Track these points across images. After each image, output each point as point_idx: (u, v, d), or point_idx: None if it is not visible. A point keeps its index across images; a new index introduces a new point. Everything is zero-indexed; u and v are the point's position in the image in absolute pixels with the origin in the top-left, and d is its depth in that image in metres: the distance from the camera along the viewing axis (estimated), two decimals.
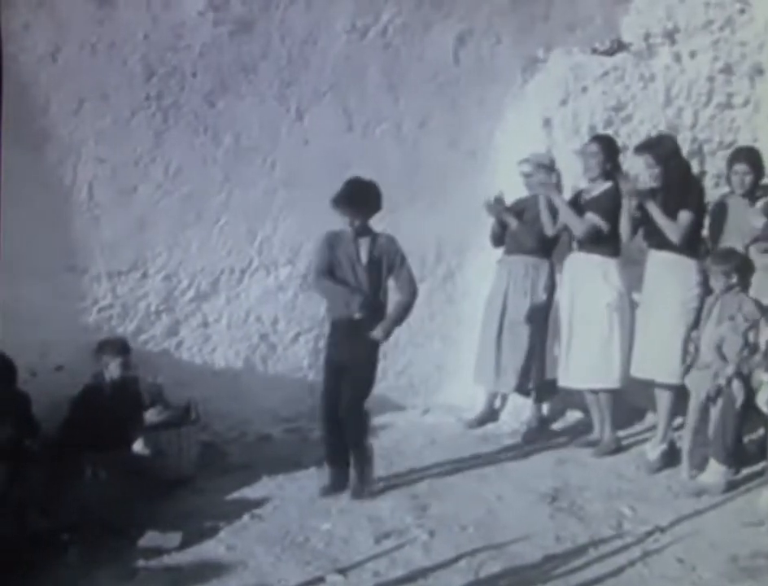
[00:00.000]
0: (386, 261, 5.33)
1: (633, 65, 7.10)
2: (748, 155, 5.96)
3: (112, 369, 5.61)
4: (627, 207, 5.94)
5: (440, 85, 6.92)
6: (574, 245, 6.29)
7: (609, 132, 6.74)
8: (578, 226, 6.08)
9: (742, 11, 7.25)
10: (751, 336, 5.49)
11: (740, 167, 5.87)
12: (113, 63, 6.06)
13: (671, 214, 5.75)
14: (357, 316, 5.21)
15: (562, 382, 6.29)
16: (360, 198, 5.25)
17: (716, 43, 7.22)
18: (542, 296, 6.40)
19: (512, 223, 6.43)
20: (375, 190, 5.33)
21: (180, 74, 6.23)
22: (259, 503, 5.34)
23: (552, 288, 6.43)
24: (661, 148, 5.92)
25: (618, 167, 6.19)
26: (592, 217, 6.02)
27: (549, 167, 6.41)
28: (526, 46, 7.06)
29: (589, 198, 6.16)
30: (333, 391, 5.36)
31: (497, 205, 6.46)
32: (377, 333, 5.28)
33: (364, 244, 5.31)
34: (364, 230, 5.31)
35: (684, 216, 5.74)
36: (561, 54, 7.10)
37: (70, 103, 5.99)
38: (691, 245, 5.83)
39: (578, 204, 6.18)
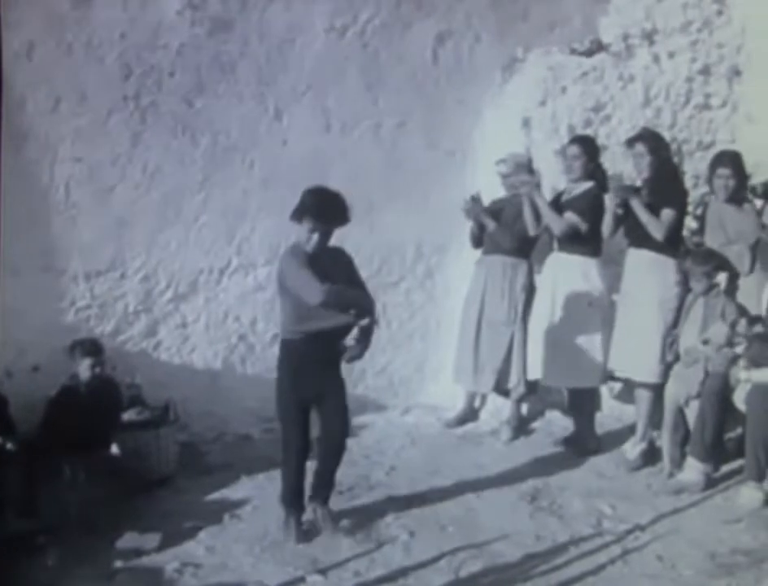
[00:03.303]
0: (349, 278, 4.87)
1: (612, 66, 7.13)
2: (731, 159, 5.97)
3: (82, 370, 5.57)
4: (611, 203, 5.96)
5: (419, 84, 6.92)
6: (555, 245, 6.29)
7: (588, 132, 6.75)
8: (556, 225, 6.08)
9: (719, 13, 7.30)
10: (732, 336, 5.53)
11: (723, 171, 5.89)
12: (90, 62, 6.03)
13: (655, 212, 5.78)
14: (364, 322, 4.78)
15: (543, 382, 6.30)
16: (346, 211, 4.71)
17: (694, 44, 7.26)
18: (520, 296, 6.39)
19: (490, 224, 6.42)
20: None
21: (157, 73, 6.21)
22: (238, 503, 5.33)
23: (530, 288, 6.42)
24: (653, 139, 5.97)
25: (600, 167, 6.20)
26: (571, 216, 6.04)
27: (527, 167, 6.41)
28: (505, 46, 7.08)
29: (569, 197, 6.17)
30: (305, 425, 4.87)
31: (474, 205, 6.45)
32: (349, 356, 4.88)
33: (335, 261, 4.81)
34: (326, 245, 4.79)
35: (667, 213, 5.76)
36: (540, 55, 7.11)
37: (46, 102, 5.96)
38: (671, 244, 5.84)
39: (558, 204, 6.19)
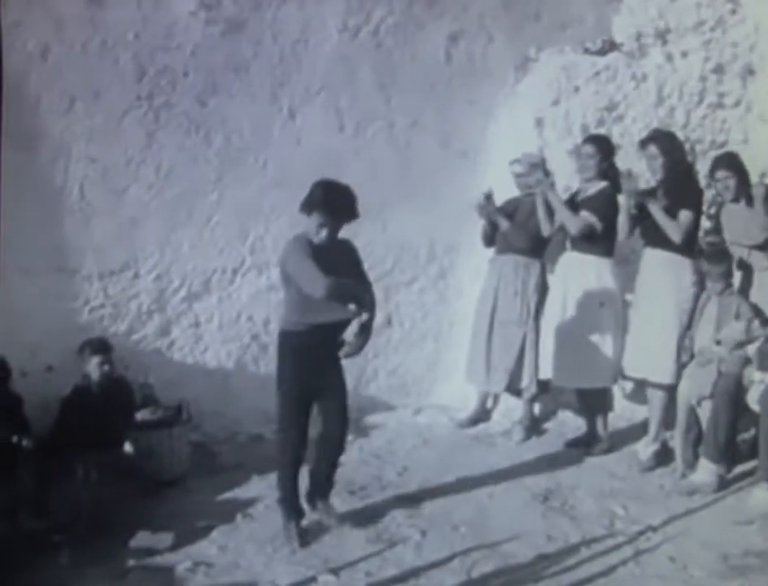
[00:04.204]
0: (353, 270, 4.80)
1: (625, 65, 7.10)
2: (726, 161, 5.98)
3: (91, 369, 5.60)
4: (626, 205, 5.95)
5: (432, 84, 6.91)
6: (568, 244, 6.28)
7: (601, 132, 6.73)
8: (572, 224, 6.06)
9: (733, 12, 7.25)
10: (746, 336, 5.52)
11: (721, 173, 5.90)
12: (104, 62, 6.05)
13: (671, 213, 5.76)
14: (365, 316, 4.69)
15: (555, 382, 6.29)
16: (355, 205, 4.65)
17: (707, 43, 7.22)
18: (532, 296, 6.39)
19: (503, 223, 6.42)
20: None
21: (171, 74, 6.22)
22: (250, 503, 5.34)
23: (542, 288, 6.42)
24: (666, 140, 5.95)
25: (614, 166, 6.19)
26: (587, 216, 6.01)
27: (540, 166, 6.40)
28: (518, 46, 7.06)
29: (584, 197, 6.15)
30: (306, 424, 4.79)
31: (487, 204, 6.45)
32: (346, 351, 4.76)
33: (340, 252, 4.72)
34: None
35: (685, 215, 5.75)
36: (553, 54, 7.09)
37: (61, 103, 5.99)
38: (688, 244, 5.83)
39: (573, 204, 6.18)
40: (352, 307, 4.67)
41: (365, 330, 4.75)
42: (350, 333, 4.72)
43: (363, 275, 4.88)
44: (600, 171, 6.13)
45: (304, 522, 4.89)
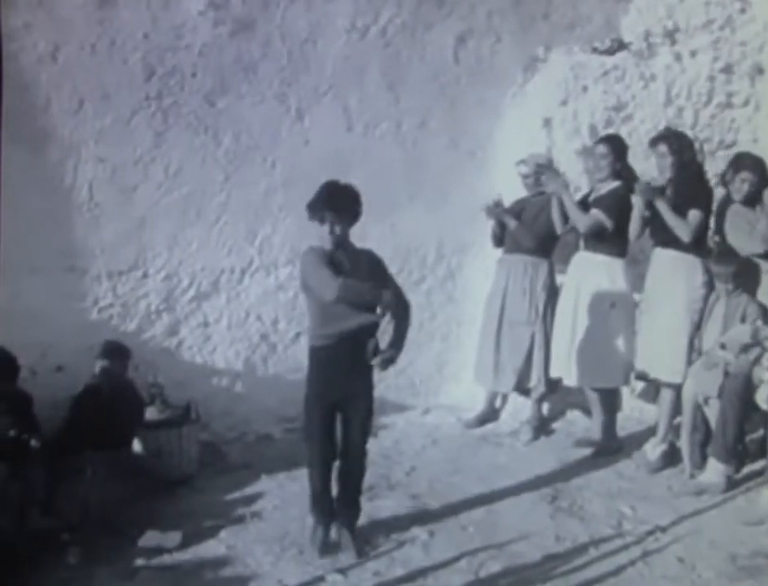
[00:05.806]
0: (375, 279, 4.67)
1: (633, 65, 7.09)
2: (754, 164, 5.91)
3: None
4: (638, 205, 5.94)
5: (440, 84, 6.92)
6: (581, 244, 6.28)
7: (610, 131, 6.72)
8: (581, 222, 6.05)
9: (742, 11, 7.23)
10: (751, 339, 5.51)
11: (746, 175, 5.84)
12: (113, 62, 6.08)
13: (681, 213, 5.75)
14: (387, 320, 4.58)
15: (565, 381, 6.28)
16: (357, 203, 4.64)
17: (716, 43, 7.20)
18: (541, 296, 6.39)
19: (511, 223, 6.42)
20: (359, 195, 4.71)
21: (180, 74, 6.25)
22: (259, 502, 5.34)
23: (551, 287, 6.42)
24: (676, 139, 5.93)
25: (627, 166, 6.18)
26: (596, 213, 6.00)
27: (547, 167, 6.39)
28: (526, 46, 7.06)
29: (597, 196, 6.14)
30: (331, 431, 4.70)
31: (495, 208, 6.46)
32: (379, 362, 4.64)
33: (359, 261, 4.66)
34: (347, 243, 4.69)
35: (694, 214, 5.73)
36: (561, 54, 7.09)
37: (70, 103, 6.02)
38: (698, 244, 5.82)
39: (586, 204, 6.17)
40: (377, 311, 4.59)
41: (398, 338, 4.66)
42: (384, 342, 4.62)
43: (388, 283, 4.75)
44: (613, 171, 6.13)
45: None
